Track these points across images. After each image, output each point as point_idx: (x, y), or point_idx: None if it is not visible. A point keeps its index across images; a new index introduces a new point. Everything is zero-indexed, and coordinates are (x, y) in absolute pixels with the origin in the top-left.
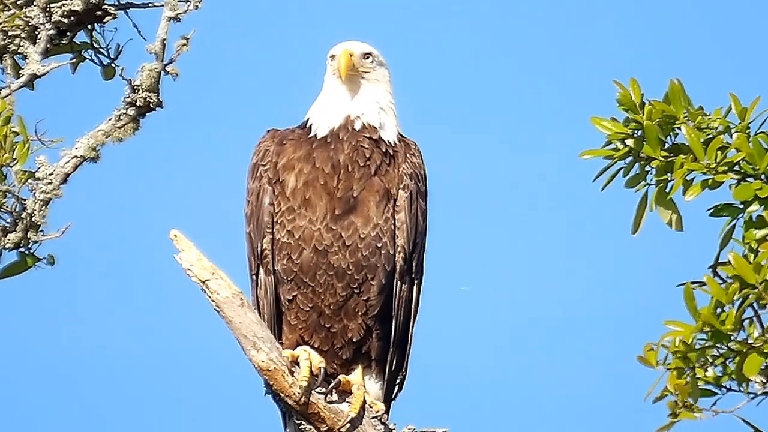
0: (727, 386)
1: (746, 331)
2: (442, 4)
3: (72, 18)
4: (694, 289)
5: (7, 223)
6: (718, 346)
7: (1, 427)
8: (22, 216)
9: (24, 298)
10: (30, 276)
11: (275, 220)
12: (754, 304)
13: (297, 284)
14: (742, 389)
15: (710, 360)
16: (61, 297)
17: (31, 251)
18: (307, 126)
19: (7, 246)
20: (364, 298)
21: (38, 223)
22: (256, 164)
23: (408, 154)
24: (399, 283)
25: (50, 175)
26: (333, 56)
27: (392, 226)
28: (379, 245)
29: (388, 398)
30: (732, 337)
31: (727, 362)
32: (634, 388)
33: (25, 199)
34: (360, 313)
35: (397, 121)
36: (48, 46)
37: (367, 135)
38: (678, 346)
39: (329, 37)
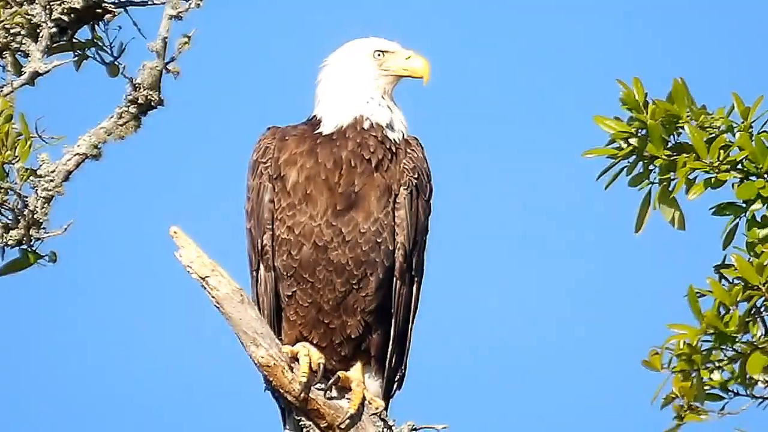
0: (734, 390)
1: (750, 332)
2: (443, 2)
3: (72, 15)
4: (697, 293)
5: (9, 220)
6: (723, 348)
7: (2, 425)
8: (24, 213)
9: (26, 294)
10: (32, 273)
11: (275, 216)
12: (760, 306)
13: (296, 280)
14: (748, 393)
15: (716, 364)
16: (63, 294)
17: (33, 248)
18: (315, 122)
19: (9, 243)
20: (363, 294)
21: (40, 221)
22: (256, 161)
23: (409, 150)
24: (398, 280)
25: (52, 172)
26: (383, 51)
27: (392, 222)
28: (378, 240)
29: (387, 395)
30: (736, 339)
31: (733, 365)
32: (639, 390)
33: (27, 197)
34: (359, 310)
35: (404, 119)
36: (49, 43)
37: (374, 134)
38: (683, 348)
39: (330, 35)
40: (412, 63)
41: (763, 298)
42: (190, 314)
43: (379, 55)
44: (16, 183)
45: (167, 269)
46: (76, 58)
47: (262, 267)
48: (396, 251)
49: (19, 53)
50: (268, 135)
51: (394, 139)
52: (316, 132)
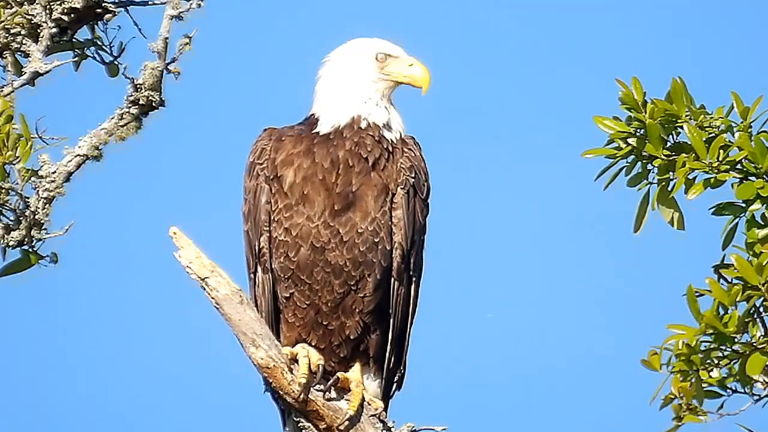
0: (732, 387)
1: (749, 332)
2: (443, 3)
3: (72, 15)
4: (697, 293)
5: (11, 220)
6: (722, 348)
7: (2, 424)
8: (26, 214)
9: (27, 295)
10: (33, 273)
11: (272, 218)
12: (759, 306)
13: (294, 282)
14: (746, 391)
15: (715, 362)
16: (64, 294)
17: (35, 249)
18: (313, 120)
19: (10, 244)
20: (361, 295)
21: (41, 221)
22: (252, 163)
23: (406, 149)
24: (396, 281)
25: (53, 173)
26: (386, 55)
27: (389, 222)
28: (376, 240)
29: (386, 396)
30: (735, 339)
31: (732, 364)
32: (638, 391)
33: (28, 197)
34: (357, 310)
35: (401, 120)
36: (49, 43)
37: (371, 134)
38: (681, 348)
39: (330, 35)
40: (413, 71)
41: (762, 299)
42: (189, 315)
43: (382, 57)
44: (17, 184)
45: (167, 270)
46: (76, 58)
47: (259, 269)
48: (393, 251)
49: (19, 53)
50: (265, 136)
51: (391, 139)
52: (313, 132)
